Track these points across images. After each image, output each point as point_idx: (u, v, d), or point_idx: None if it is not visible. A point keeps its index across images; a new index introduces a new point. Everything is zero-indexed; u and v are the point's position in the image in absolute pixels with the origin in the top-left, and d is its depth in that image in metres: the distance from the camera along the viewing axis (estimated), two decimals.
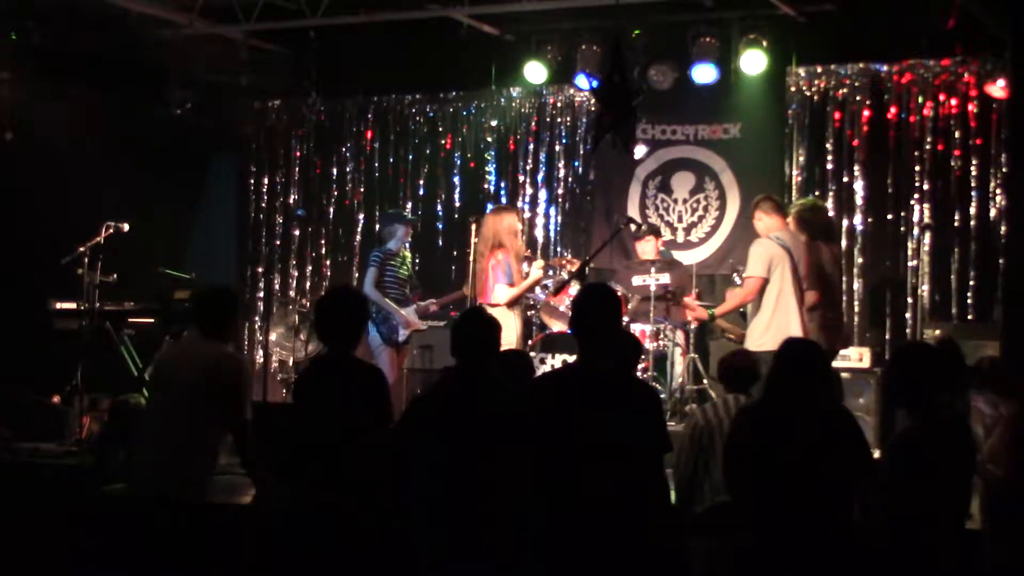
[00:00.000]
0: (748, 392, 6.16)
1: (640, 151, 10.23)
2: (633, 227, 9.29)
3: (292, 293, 11.71)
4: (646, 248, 9.19)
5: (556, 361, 8.66)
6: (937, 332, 8.80)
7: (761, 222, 7.87)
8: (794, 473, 4.46)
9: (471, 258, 8.80)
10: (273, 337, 10.07)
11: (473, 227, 8.80)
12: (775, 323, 7.53)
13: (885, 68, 9.96)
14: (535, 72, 10.27)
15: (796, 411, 4.56)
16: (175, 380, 5.40)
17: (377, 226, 11.47)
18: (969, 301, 9.63)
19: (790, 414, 4.55)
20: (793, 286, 7.62)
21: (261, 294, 11.93)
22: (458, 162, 11.42)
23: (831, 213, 10.05)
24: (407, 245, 9.04)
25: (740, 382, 6.11)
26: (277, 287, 11.90)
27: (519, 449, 4.31)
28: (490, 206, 11.10)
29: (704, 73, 9.79)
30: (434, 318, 9.46)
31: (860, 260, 10.07)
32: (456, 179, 11.44)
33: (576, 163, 11.06)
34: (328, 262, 11.82)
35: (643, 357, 8.29)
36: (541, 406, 4.31)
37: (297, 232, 11.95)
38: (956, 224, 9.72)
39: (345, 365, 5.05)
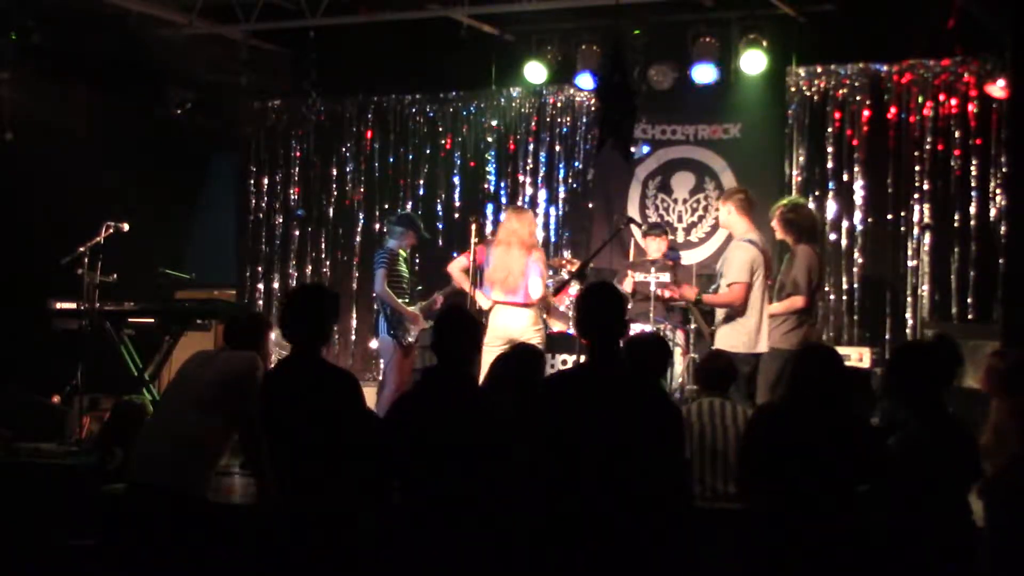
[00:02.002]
0: (727, 394, 6.23)
1: (639, 151, 10.25)
2: (634, 227, 9.29)
3: None
4: (659, 246, 9.17)
5: (556, 361, 8.67)
6: (929, 332, 8.79)
7: (731, 216, 7.89)
8: (811, 474, 4.46)
9: (495, 254, 8.55)
10: (273, 337, 10.02)
11: (473, 227, 8.79)
12: (760, 328, 7.59)
13: (885, 68, 9.95)
14: (535, 72, 10.27)
15: (817, 414, 4.57)
16: (192, 375, 5.46)
17: (377, 226, 11.52)
18: (969, 301, 9.62)
19: (811, 416, 4.57)
20: (766, 292, 7.71)
21: (261, 294, 11.93)
22: (458, 162, 11.42)
23: (832, 213, 10.09)
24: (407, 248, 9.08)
25: (720, 383, 6.25)
26: (277, 287, 11.90)
27: (528, 447, 4.30)
28: (490, 206, 11.15)
29: (704, 73, 9.79)
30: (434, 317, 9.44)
31: (860, 260, 10.06)
32: (456, 179, 11.43)
33: (576, 163, 11.06)
34: (328, 262, 11.82)
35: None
36: (552, 405, 4.30)
37: (297, 232, 11.95)
38: (956, 224, 9.71)
39: (315, 367, 4.91)
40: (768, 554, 4.52)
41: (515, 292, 8.45)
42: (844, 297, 10.07)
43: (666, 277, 8.86)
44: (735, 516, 5.31)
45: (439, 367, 4.70)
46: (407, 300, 8.85)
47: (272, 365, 9.94)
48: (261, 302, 11.83)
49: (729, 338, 7.68)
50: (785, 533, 4.48)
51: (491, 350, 8.44)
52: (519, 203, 11.07)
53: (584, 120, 11.00)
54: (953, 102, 9.74)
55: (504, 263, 8.49)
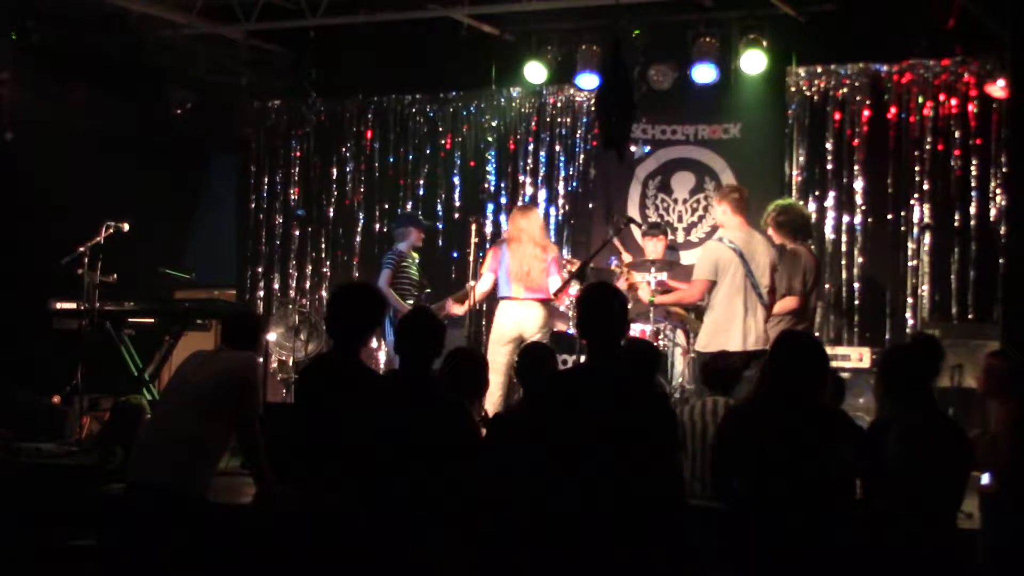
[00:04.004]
0: (730, 394, 6.24)
1: (638, 152, 10.25)
2: (634, 227, 9.30)
3: (292, 293, 11.71)
4: (655, 247, 9.18)
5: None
6: (929, 332, 8.81)
7: (726, 215, 7.90)
8: (782, 472, 4.38)
9: (509, 252, 8.59)
10: (273, 337, 10.04)
11: (473, 227, 8.76)
12: (719, 326, 7.59)
13: (885, 68, 9.95)
14: (535, 72, 10.27)
15: (787, 408, 4.45)
16: (191, 375, 5.47)
17: (377, 225, 11.53)
18: (969, 301, 9.63)
19: (781, 410, 4.45)
20: (743, 290, 7.62)
21: (261, 294, 11.93)
22: (458, 162, 11.42)
23: (832, 213, 10.09)
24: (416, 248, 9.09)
25: (723, 384, 6.31)
26: (277, 287, 11.90)
27: (525, 447, 4.30)
28: (491, 206, 11.15)
29: (704, 73, 9.79)
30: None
31: (860, 260, 10.06)
32: (456, 179, 11.43)
33: (576, 163, 11.06)
34: (328, 262, 11.82)
35: None
36: (550, 404, 4.30)
37: (297, 232, 11.95)
38: (956, 224, 9.72)
39: (347, 366, 4.98)
40: (746, 554, 4.49)
41: (537, 289, 8.51)
42: (844, 297, 10.07)
43: (665, 278, 8.87)
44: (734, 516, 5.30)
45: (401, 369, 4.76)
46: (414, 303, 8.84)
47: (273, 364, 10.04)
48: (261, 302, 11.84)
49: (702, 340, 7.77)
50: (759, 533, 4.43)
51: (499, 348, 8.46)
52: (519, 203, 11.08)
53: (584, 120, 10.99)
54: (953, 102, 9.75)
55: (522, 260, 8.55)
